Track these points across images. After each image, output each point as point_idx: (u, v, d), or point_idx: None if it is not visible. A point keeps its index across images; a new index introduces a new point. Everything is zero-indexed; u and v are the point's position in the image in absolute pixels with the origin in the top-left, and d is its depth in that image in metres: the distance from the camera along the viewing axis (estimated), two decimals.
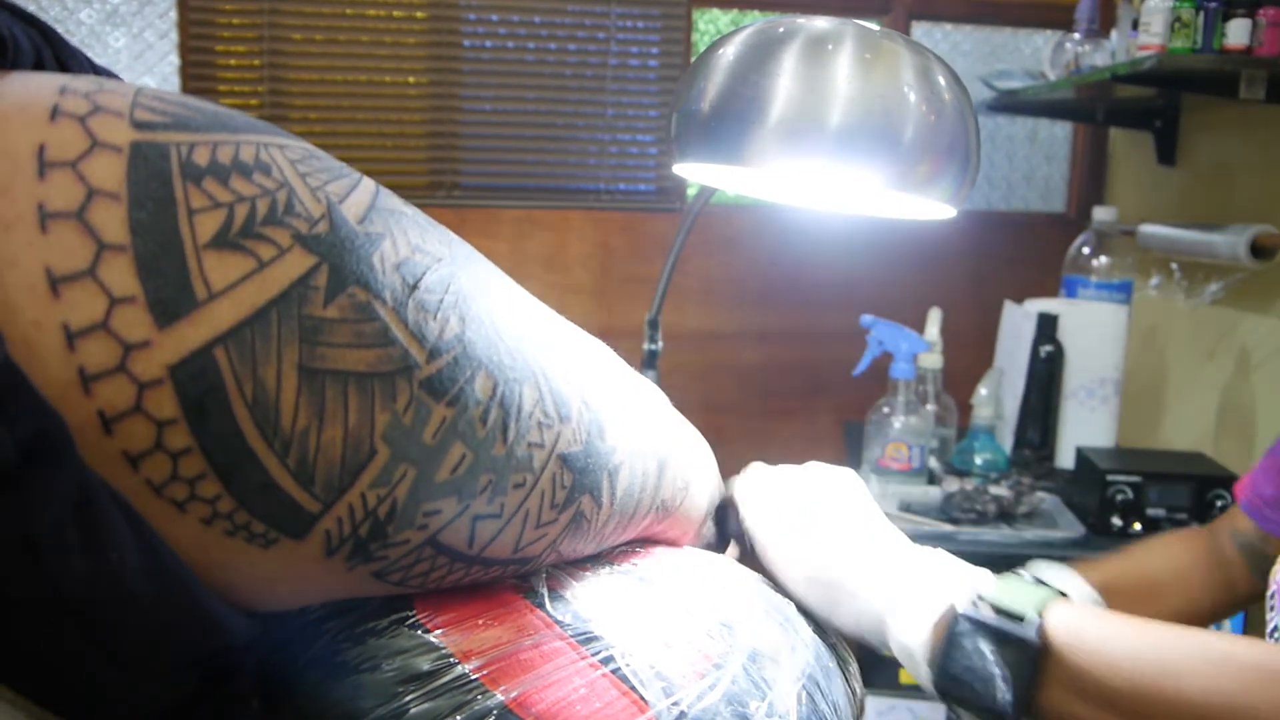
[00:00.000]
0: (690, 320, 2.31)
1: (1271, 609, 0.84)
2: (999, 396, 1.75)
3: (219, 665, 0.34)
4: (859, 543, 0.55)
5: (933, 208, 0.63)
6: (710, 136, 0.58)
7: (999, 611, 0.52)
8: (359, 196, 0.32)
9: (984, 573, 0.56)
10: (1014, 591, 0.53)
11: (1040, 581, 0.56)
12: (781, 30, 0.58)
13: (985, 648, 0.51)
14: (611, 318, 2.29)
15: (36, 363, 0.26)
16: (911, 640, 0.53)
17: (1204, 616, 1.03)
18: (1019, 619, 0.51)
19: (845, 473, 0.59)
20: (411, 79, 2.23)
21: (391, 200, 0.34)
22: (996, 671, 0.51)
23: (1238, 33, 1.47)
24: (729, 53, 0.58)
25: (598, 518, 0.41)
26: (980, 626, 0.51)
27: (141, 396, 0.27)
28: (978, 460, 1.72)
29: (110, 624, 0.28)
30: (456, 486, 0.34)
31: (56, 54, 0.34)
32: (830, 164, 0.56)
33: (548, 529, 0.38)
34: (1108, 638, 0.52)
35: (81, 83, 0.29)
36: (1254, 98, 1.47)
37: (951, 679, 0.52)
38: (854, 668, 0.48)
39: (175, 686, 0.32)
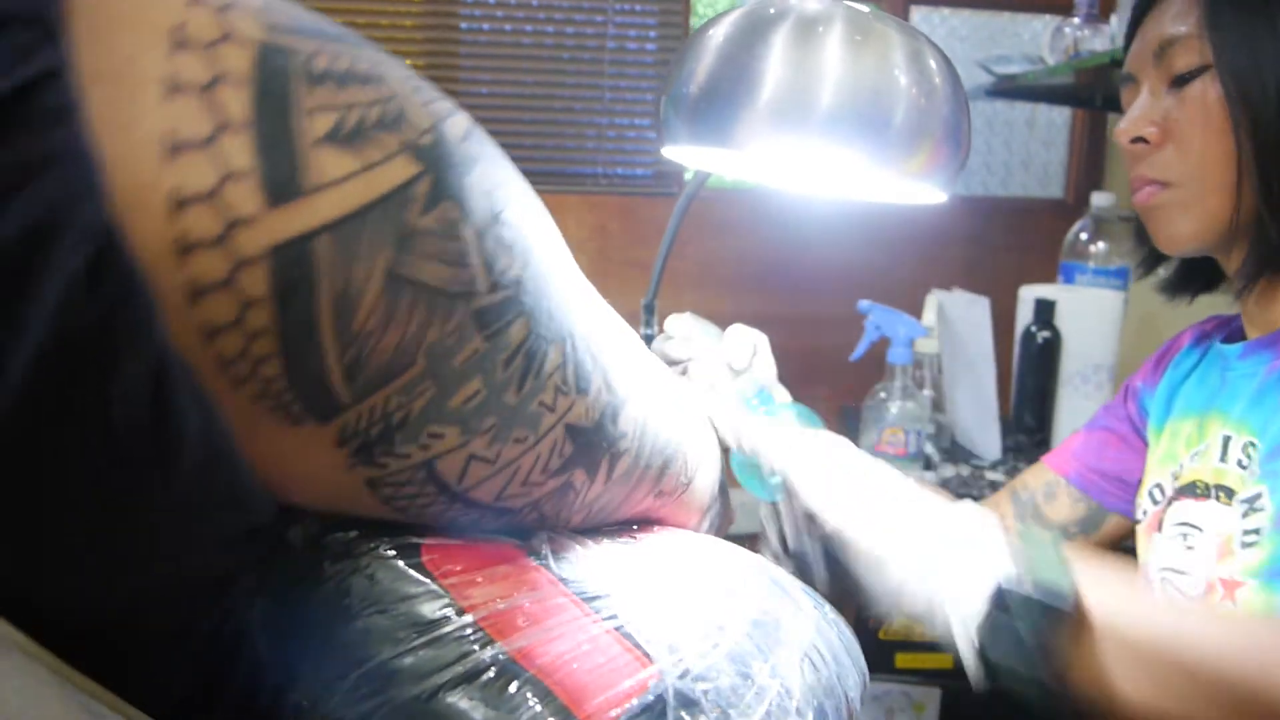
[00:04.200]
0: (687, 305, 2.28)
1: None
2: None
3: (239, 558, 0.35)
4: (904, 512, 0.61)
5: (923, 191, 0.63)
6: (699, 119, 0.57)
7: (1039, 586, 0.55)
8: (459, 119, 0.33)
9: (1000, 539, 0.59)
10: (1044, 564, 0.56)
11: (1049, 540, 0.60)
12: (772, 11, 0.57)
13: (1030, 626, 0.54)
14: (609, 302, 2.28)
15: (137, 227, 0.26)
16: (968, 628, 0.56)
17: None
18: (1059, 593, 0.55)
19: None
20: (408, 61, 2.22)
21: (483, 133, 0.35)
22: (1041, 644, 0.54)
23: None
24: (718, 34, 0.58)
25: (587, 492, 0.42)
26: (1027, 603, 0.55)
27: (236, 272, 0.28)
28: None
29: (161, 491, 0.29)
30: (463, 417, 0.34)
31: None
32: (820, 146, 0.55)
33: (533, 489, 0.39)
34: (1127, 602, 0.56)
35: None
36: None
37: (999, 659, 0.55)
38: (855, 646, 0.48)
39: (209, 564, 0.33)
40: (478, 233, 0.32)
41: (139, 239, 0.26)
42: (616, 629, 0.37)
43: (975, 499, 1.57)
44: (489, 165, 0.34)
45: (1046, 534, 0.59)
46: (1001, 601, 0.55)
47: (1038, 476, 1.05)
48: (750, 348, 0.76)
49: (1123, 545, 0.99)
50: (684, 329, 0.81)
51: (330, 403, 0.31)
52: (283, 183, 0.28)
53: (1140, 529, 0.90)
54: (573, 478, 0.40)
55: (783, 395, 0.76)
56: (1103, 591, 0.56)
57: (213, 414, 0.29)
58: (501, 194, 0.34)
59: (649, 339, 1.25)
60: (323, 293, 0.29)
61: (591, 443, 0.39)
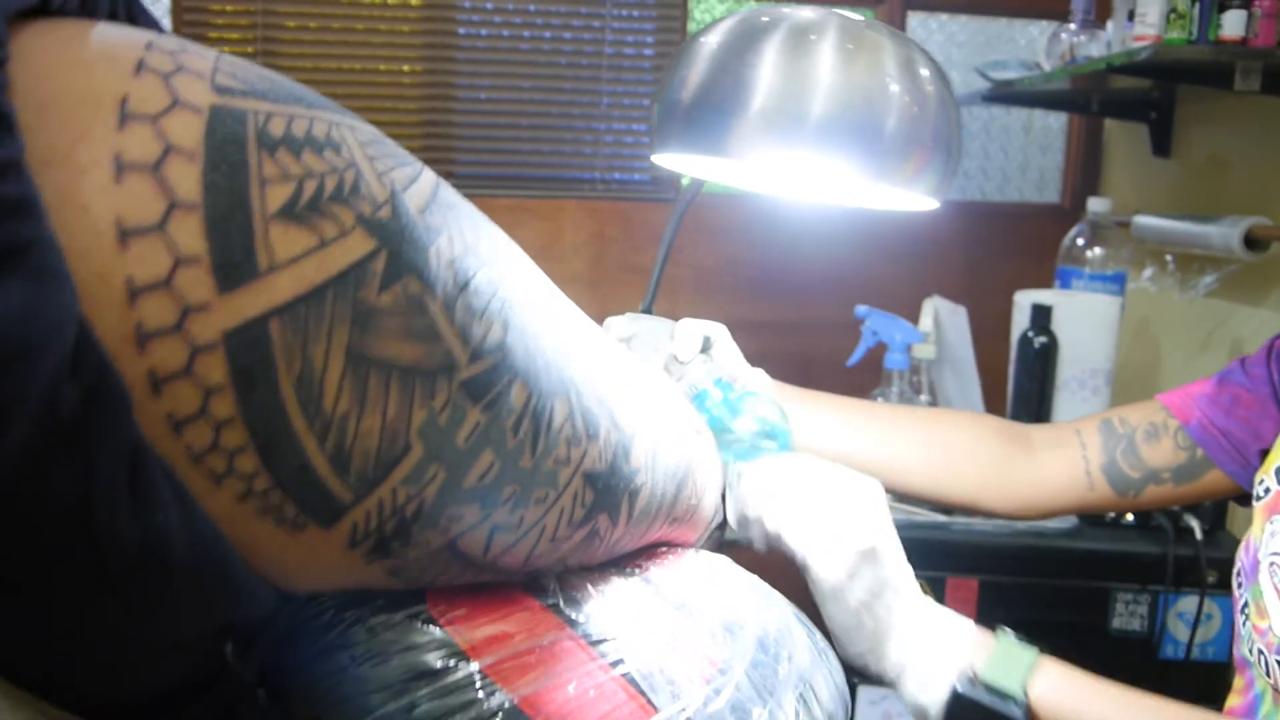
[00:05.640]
0: (684, 310, 2.27)
1: (1239, 585, 0.82)
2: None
3: (236, 639, 0.34)
4: (891, 599, 0.64)
5: (915, 199, 0.63)
6: (691, 127, 0.57)
7: (991, 690, 0.62)
8: (421, 187, 0.32)
9: (977, 639, 0.65)
10: (1004, 666, 0.63)
11: (1023, 641, 0.66)
12: (765, 20, 0.58)
13: None
14: (606, 307, 2.26)
15: (96, 315, 0.26)
16: (926, 705, 0.64)
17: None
18: (1009, 697, 0.62)
19: (872, 487, 0.66)
20: (406, 67, 2.22)
21: (451, 194, 0.34)
22: None
23: (1233, 24, 1.47)
24: (711, 42, 0.58)
25: (611, 535, 0.41)
26: (977, 707, 0.62)
27: (193, 360, 0.27)
28: None
29: (148, 591, 0.28)
30: (481, 494, 0.33)
31: (130, 11, 0.34)
32: (811, 155, 0.55)
33: (561, 544, 0.38)
34: (1085, 706, 0.63)
35: (167, 41, 0.29)
36: (1249, 89, 1.47)
37: None
38: (840, 673, 0.49)
39: (196, 656, 0.32)
40: (445, 305, 0.31)
41: (101, 328, 0.26)
42: (623, 675, 0.37)
43: None
44: (455, 232, 0.32)
45: (1012, 640, 0.65)
46: (957, 704, 0.62)
47: (1143, 414, 0.96)
48: (697, 340, 0.75)
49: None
50: (623, 330, 0.81)
51: (329, 503, 0.30)
52: (234, 266, 0.27)
53: (1258, 506, 0.83)
54: (597, 525, 0.39)
55: (752, 384, 0.75)
56: (1069, 697, 0.63)
57: (193, 508, 0.28)
58: (469, 260, 0.33)
59: None
60: (282, 376, 0.28)
61: (610, 485, 0.39)
